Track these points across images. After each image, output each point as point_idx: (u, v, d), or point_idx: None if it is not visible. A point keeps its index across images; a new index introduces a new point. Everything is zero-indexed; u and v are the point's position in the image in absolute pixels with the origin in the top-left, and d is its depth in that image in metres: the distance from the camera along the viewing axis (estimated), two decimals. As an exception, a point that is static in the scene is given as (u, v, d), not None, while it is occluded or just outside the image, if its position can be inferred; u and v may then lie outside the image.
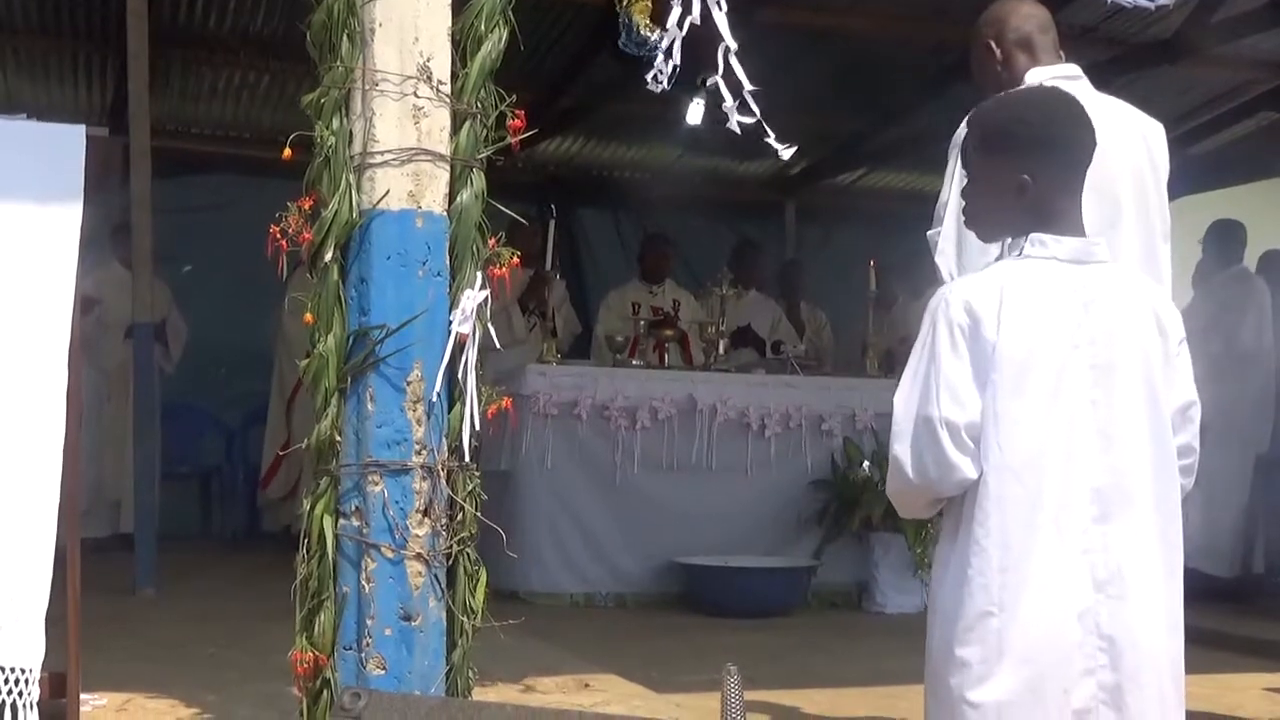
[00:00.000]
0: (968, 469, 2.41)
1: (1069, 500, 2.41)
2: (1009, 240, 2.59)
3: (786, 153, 2.96)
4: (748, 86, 2.86)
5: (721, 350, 7.51)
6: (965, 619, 2.41)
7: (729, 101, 2.88)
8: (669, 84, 2.94)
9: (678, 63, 2.93)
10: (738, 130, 2.89)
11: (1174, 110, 9.37)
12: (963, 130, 3.52)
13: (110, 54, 8.37)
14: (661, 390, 6.90)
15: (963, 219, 2.72)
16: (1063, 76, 3.55)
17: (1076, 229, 2.54)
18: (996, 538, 2.40)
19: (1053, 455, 2.41)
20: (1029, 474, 2.40)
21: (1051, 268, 2.48)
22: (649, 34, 2.97)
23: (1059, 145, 2.55)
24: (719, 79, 2.87)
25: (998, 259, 2.80)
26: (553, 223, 7.10)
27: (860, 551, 7.00)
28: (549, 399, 6.69)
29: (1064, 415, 2.42)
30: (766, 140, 2.94)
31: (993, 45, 3.68)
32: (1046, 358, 2.42)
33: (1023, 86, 3.52)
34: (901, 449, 2.46)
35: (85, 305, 7.33)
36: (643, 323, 7.81)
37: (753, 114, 2.88)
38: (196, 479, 9.28)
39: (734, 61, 2.87)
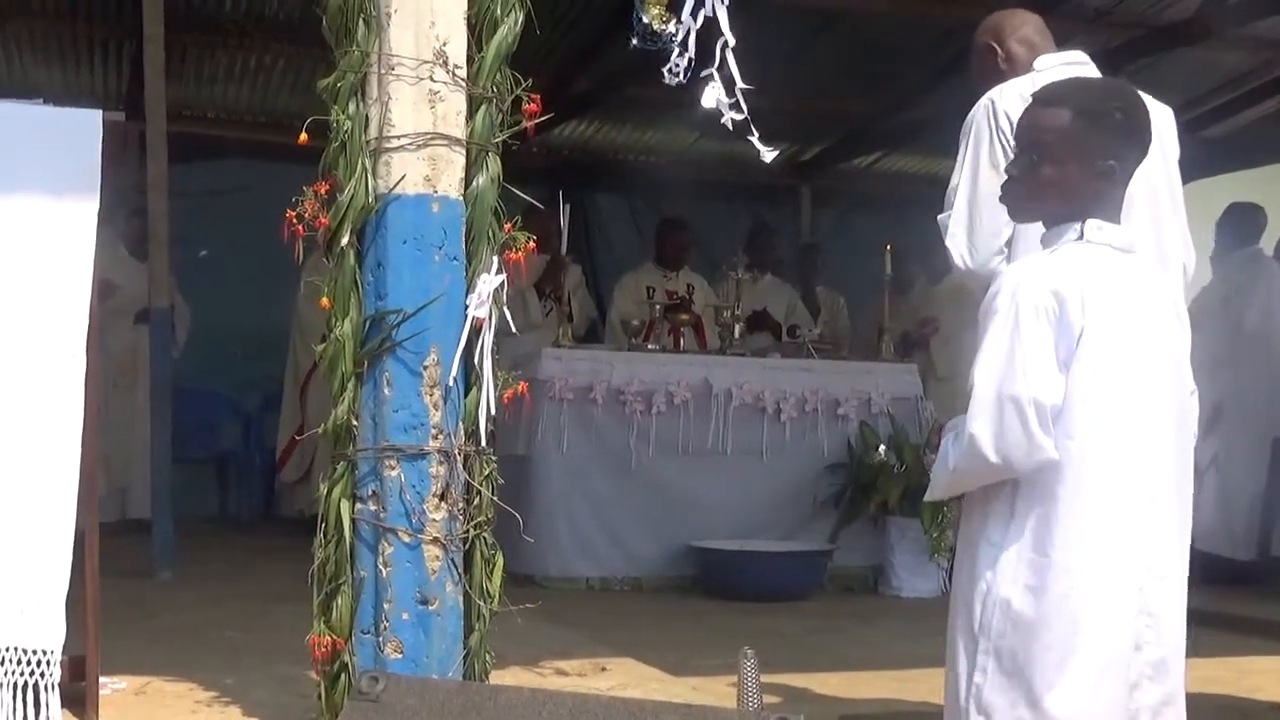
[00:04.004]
0: (1051, 450, 2.43)
1: (1134, 483, 2.46)
2: (1061, 224, 2.59)
3: (768, 155, 2.96)
4: (740, 84, 2.86)
5: (737, 334, 7.50)
6: (1051, 599, 2.42)
7: (723, 97, 2.88)
8: (685, 78, 2.93)
9: (693, 56, 2.93)
10: (730, 127, 2.90)
11: (1191, 92, 9.33)
12: (974, 116, 3.54)
13: (126, 38, 8.38)
14: (677, 374, 6.90)
15: (1004, 194, 2.70)
16: (1072, 62, 3.58)
17: (1119, 218, 2.59)
18: (1084, 521, 2.43)
19: (1130, 440, 2.46)
20: (1115, 459, 2.45)
21: (1108, 254, 2.52)
22: (663, 27, 2.96)
23: (1140, 139, 2.62)
24: (714, 73, 2.87)
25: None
26: (567, 207, 7.08)
27: (876, 535, 6.99)
28: (564, 383, 6.69)
29: (1137, 400, 2.47)
30: (750, 140, 2.93)
31: (994, 45, 3.77)
32: (1126, 344, 2.47)
33: (1038, 72, 3.53)
34: (981, 427, 2.45)
35: (105, 290, 7.38)
36: (658, 307, 7.80)
37: (742, 111, 2.88)
38: (213, 463, 9.30)
39: (730, 57, 2.86)
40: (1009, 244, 3.46)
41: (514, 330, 3.04)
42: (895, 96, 9.52)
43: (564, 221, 7.06)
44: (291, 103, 9.38)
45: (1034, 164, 2.60)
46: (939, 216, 3.61)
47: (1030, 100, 2.70)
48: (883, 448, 6.94)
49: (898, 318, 8.15)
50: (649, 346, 7.34)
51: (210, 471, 9.31)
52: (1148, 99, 3.56)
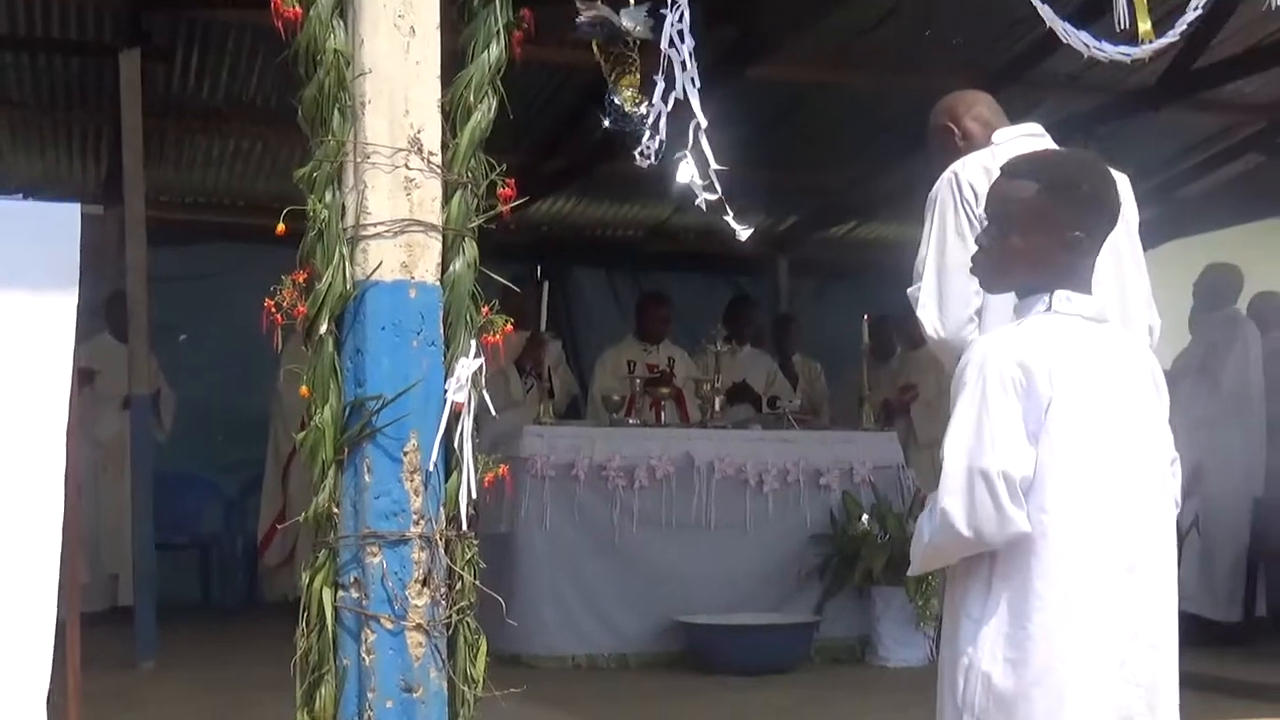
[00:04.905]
0: (1023, 522, 2.44)
1: (1112, 552, 2.46)
2: (1031, 295, 2.61)
3: (743, 234, 2.98)
4: (714, 165, 2.89)
5: (717, 407, 7.52)
6: (1032, 672, 2.42)
7: (696, 177, 2.90)
8: (657, 160, 2.96)
9: (664, 138, 2.95)
10: (704, 208, 2.93)
11: (1162, 154, 9.45)
12: (938, 188, 3.60)
13: (105, 125, 8.42)
14: (658, 448, 6.90)
15: (974, 265, 2.72)
16: (1029, 134, 3.65)
17: (1089, 288, 2.60)
18: (1060, 592, 2.43)
19: (1105, 510, 2.47)
20: (1088, 529, 2.45)
21: (1078, 325, 2.54)
22: (635, 109, 3.00)
23: (1107, 210, 2.64)
24: (688, 154, 2.90)
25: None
26: (546, 284, 7.13)
27: (861, 605, 6.98)
28: (546, 460, 6.69)
29: (1110, 469, 2.48)
30: (725, 220, 2.96)
31: (950, 125, 3.85)
32: (1097, 414, 2.49)
33: (997, 145, 3.59)
34: (953, 502, 2.46)
35: (84, 376, 7.33)
36: (638, 381, 7.82)
37: (716, 190, 2.90)
38: (196, 548, 9.25)
39: (702, 139, 2.89)
40: (979, 313, 3.50)
41: (494, 413, 3.04)
42: (868, 166, 9.62)
43: (544, 299, 7.12)
44: (270, 184, 9.43)
45: (1002, 235, 2.63)
46: (909, 290, 3.65)
47: (998, 172, 2.74)
48: (865, 517, 6.94)
49: (878, 386, 8.18)
50: (630, 421, 7.35)
51: (193, 557, 9.25)
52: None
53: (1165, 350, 3.86)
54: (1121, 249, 3.51)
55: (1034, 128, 3.72)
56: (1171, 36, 3.62)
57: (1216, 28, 7.12)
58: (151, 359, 8.03)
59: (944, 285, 3.53)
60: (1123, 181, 3.62)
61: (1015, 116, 3.90)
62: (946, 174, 3.61)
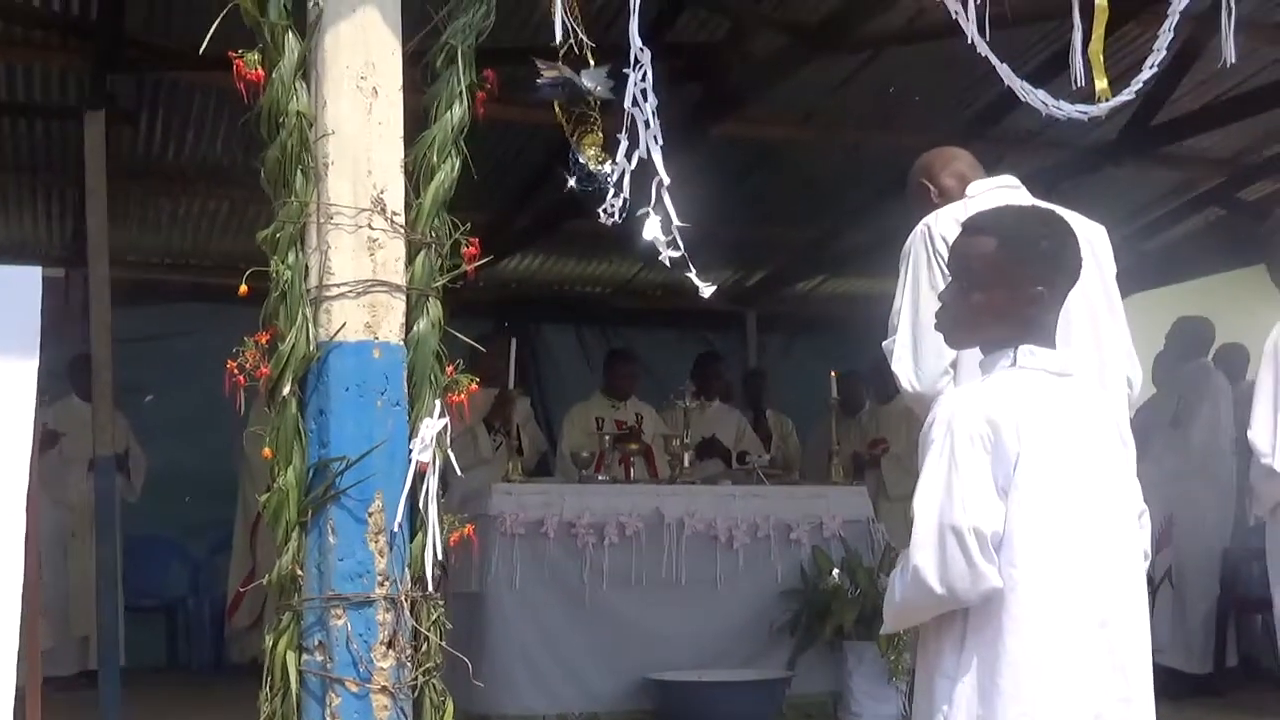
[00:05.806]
0: (994, 578, 2.44)
1: (1082, 606, 2.47)
2: (996, 349, 2.62)
3: (707, 291, 2.99)
4: (676, 222, 2.90)
5: (687, 463, 7.50)
6: None
7: (659, 234, 2.91)
8: (620, 218, 2.98)
9: (628, 196, 2.97)
10: (668, 264, 2.94)
11: (1125, 208, 9.54)
12: (911, 241, 3.62)
13: (69, 187, 8.40)
14: (628, 505, 6.88)
15: (940, 320, 2.74)
16: (1004, 185, 3.67)
17: (1053, 342, 2.61)
18: (1030, 647, 2.43)
19: (1074, 564, 2.47)
20: (1057, 584, 2.45)
21: (1043, 379, 2.55)
22: (599, 168, 3.01)
23: (1069, 265, 2.66)
24: (651, 211, 2.91)
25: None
26: (514, 341, 7.13)
27: (833, 660, 6.94)
28: (516, 518, 6.66)
29: (1079, 523, 2.48)
30: (689, 276, 2.97)
31: (927, 183, 3.88)
32: (1065, 468, 2.50)
33: (971, 198, 3.62)
34: (925, 559, 2.46)
35: (48, 439, 7.26)
36: (607, 437, 7.81)
37: (679, 248, 2.92)
38: (162, 610, 9.16)
39: (665, 196, 2.91)
40: (953, 365, 3.51)
41: (459, 473, 3.04)
42: (836, 221, 9.67)
43: (512, 356, 7.11)
44: (235, 244, 9.42)
45: (964, 291, 2.64)
46: (884, 343, 3.66)
47: (961, 228, 2.76)
48: (836, 571, 6.93)
49: (847, 440, 8.18)
50: (599, 478, 7.33)
51: (159, 619, 9.16)
52: (1081, 218, 3.68)
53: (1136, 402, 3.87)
54: (1096, 300, 3.54)
55: (1009, 179, 3.74)
56: (1127, 95, 3.67)
57: (1174, 85, 7.22)
58: (121, 419, 8.02)
59: (918, 338, 3.55)
60: (1099, 233, 3.65)
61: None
62: (919, 227, 3.63)
